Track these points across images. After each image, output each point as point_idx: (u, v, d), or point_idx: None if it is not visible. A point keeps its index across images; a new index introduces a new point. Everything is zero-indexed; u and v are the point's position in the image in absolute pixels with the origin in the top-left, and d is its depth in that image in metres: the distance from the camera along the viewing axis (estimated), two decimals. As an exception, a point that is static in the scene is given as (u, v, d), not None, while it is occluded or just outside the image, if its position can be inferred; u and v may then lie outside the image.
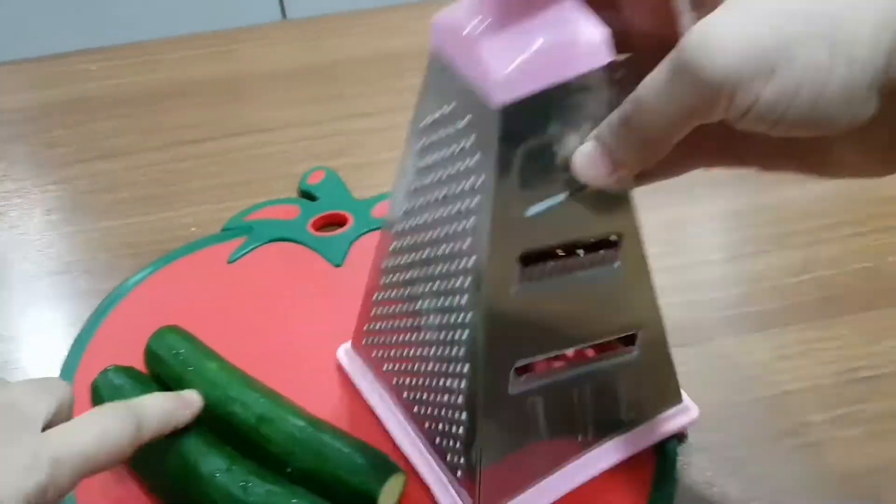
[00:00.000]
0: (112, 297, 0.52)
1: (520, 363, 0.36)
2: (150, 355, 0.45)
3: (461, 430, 0.38)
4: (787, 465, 0.42)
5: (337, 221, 0.57)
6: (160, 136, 0.67)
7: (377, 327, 0.43)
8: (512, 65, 0.29)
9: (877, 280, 0.50)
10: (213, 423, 0.40)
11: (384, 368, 0.43)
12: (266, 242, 0.55)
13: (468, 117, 0.32)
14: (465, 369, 0.36)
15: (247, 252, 0.54)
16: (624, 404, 0.41)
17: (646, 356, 0.40)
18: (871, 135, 0.27)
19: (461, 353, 0.36)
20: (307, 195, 0.59)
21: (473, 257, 0.34)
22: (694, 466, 0.42)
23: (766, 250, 0.53)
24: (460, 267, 0.35)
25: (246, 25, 0.80)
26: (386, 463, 0.40)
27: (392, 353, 0.42)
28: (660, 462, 0.42)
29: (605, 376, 0.40)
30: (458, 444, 0.39)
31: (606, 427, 0.41)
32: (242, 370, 0.44)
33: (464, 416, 0.37)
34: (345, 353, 0.46)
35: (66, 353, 0.49)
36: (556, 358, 0.39)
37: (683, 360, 0.46)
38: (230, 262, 0.54)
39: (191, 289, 0.52)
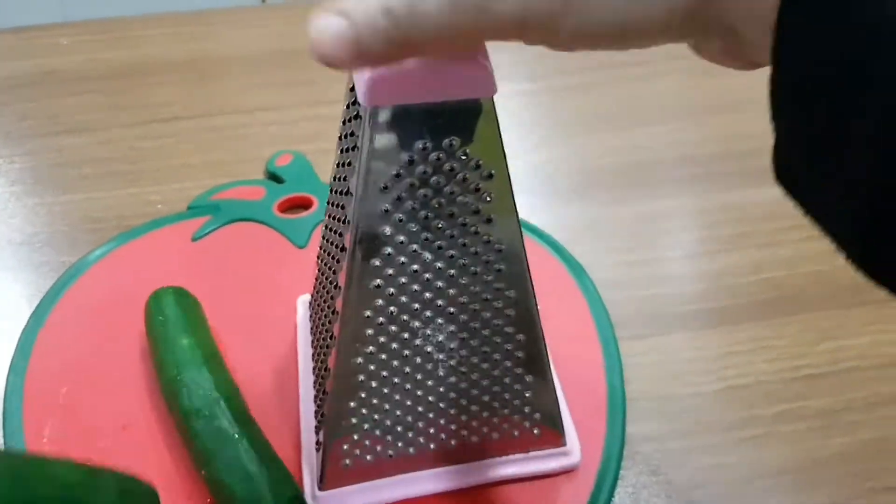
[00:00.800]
0: (73, 270, 0.52)
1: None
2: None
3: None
4: (733, 457, 0.43)
5: (302, 204, 0.57)
6: (130, 113, 0.67)
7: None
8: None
9: (826, 283, 0.52)
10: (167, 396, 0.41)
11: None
12: (231, 222, 0.55)
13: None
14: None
15: (211, 230, 0.54)
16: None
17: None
18: (697, 44, 0.27)
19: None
20: (274, 177, 0.60)
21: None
22: (641, 455, 0.43)
23: (724, 249, 0.54)
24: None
25: (225, 7, 0.80)
26: (293, 499, 0.38)
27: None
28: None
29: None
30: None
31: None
32: (214, 349, 0.45)
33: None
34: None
35: (24, 323, 0.49)
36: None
37: (638, 351, 0.48)
38: (194, 239, 0.54)
39: (153, 264, 0.52)
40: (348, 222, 0.33)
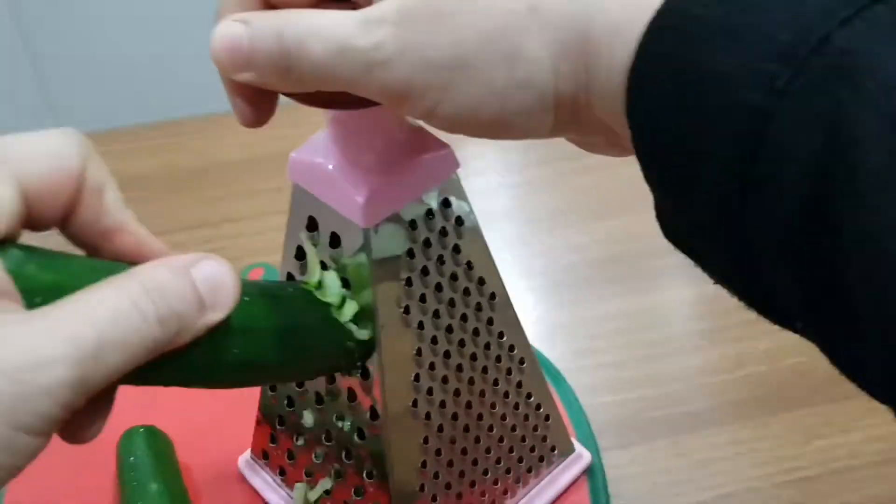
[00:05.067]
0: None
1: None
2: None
3: None
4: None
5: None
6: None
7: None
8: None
9: (811, 375, 0.50)
10: None
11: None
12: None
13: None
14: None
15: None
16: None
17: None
18: (582, 141, 0.29)
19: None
20: (244, 293, 0.58)
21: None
22: (629, 578, 0.41)
23: (701, 346, 0.53)
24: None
25: (192, 116, 0.80)
26: None
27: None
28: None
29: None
30: None
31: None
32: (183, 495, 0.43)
33: None
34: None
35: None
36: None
37: (621, 463, 0.46)
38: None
39: (123, 397, 0.50)
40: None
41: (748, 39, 0.21)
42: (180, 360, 0.25)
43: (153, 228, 0.67)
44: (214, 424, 0.49)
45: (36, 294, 0.23)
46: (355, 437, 0.37)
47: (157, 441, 0.45)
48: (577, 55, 0.24)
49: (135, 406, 0.49)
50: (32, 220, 0.25)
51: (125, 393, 0.50)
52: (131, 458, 0.44)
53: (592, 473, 0.45)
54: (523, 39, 0.24)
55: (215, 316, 0.25)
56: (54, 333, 0.21)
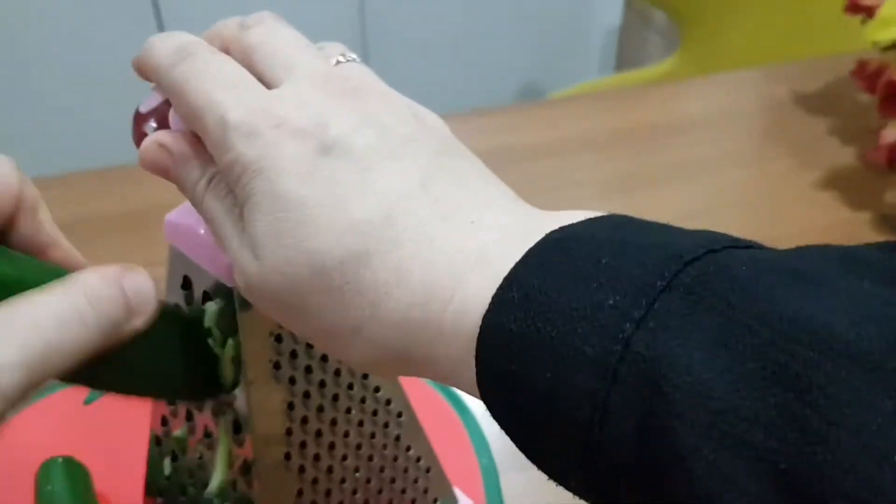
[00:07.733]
0: (-39, 444, 0.52)
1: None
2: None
3: None
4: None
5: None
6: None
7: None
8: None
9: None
10: None
11: None
12: (124, 382, 0.56)
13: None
14: None
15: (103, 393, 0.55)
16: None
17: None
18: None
19: None
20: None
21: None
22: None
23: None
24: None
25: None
26: None
27: None
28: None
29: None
30: None
31: None
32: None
33: None
34: None
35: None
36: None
37: (519, 484, 0.50)
38: (87, 403, 0.55)
39: (46, 431, 0.53)
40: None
41: (565, 356, 0.22)
42: (104, 364, 0.26)
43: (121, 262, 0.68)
44: (131, 457, 0.51)
45: None
46: (230, 490, 0.38)
47: (74, 471, 0.48)
48: (400, 361, 0.27)
49: (54, 437, 0.52)
50: None
51: (46, 425, 0.52)
52: (48, 488, 0.47)
53: (490, 494, 0.49)
54: (357, 336, 0.27)
55: (138, 322, 0.27)
56: (10, 341, 0.23)
